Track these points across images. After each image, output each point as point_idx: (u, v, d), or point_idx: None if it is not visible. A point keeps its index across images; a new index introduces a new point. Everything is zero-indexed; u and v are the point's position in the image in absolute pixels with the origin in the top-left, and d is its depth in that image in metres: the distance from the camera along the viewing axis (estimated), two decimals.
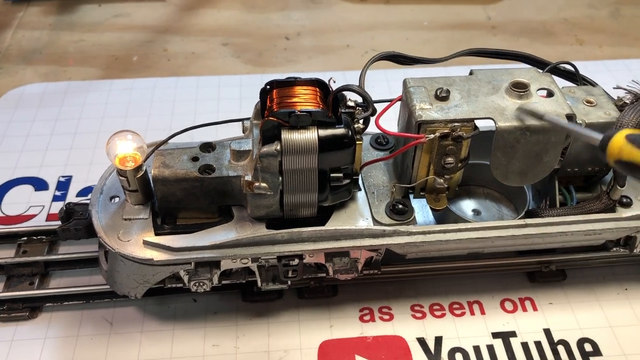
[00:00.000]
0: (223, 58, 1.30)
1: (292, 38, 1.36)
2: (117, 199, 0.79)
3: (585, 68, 1.28)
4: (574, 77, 0.84)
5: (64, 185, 1.01)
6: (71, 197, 0.98)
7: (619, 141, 0.59)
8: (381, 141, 0.85)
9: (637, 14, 1.46)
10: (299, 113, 0.68)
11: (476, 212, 0.87)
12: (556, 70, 0.84)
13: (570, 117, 0.72)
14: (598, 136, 0.62)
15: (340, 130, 0.70)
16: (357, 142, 0.72)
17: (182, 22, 1.39)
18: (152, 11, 1.42)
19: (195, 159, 0.76)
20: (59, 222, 0.84)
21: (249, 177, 0.71)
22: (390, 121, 0.79)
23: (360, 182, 0.80)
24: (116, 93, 1.19)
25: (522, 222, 0.76)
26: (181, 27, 1.38)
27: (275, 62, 1.28)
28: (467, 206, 0.88)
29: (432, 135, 0.70)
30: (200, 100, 1.18)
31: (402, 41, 1.35)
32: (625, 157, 0.58)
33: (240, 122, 0.79)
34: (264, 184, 0.71)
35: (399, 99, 0.77)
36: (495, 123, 0.70)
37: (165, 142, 0.80)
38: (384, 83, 1.17)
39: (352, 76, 1.18)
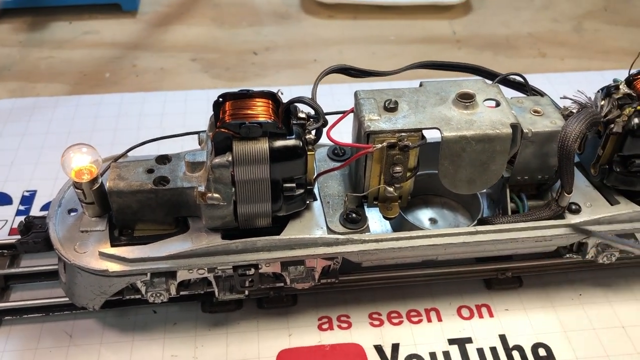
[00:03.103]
0: (192, 73, 1.31)
1: (260, 53, 1.38)
2: (75, 212, 0.80)
3: (546, 80, 1.32)
4: (524, 88, 0.86)
5: (28, 199, 1.01)
6: (35, 212, 0.99)
7: None
8: (338, 152, 0.87)
9: (598, 28, 1.50)
10: (249, 124, 0.69)
11: (433, 220, 0.89)
12: (507, 81, 0.87)
13: (515, 126, 0.74)
14: None
15: (290, 142, 0.71)
16: (309, 153, 0.73)
17: (151, 39, 1.41)
18: (122, 28, 1.44)
19: (150, 171, 0.77)
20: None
21: (202, 188, 0.73)
22: (347, 133, 0.81)
23: (316, 192, 0.81)
24: (83, 108, 1.20)
25: (473, 229, 0.78)
26: (151, 44, 1.39)
27: (243, 77, 1.30)
28: (424, 215, 0.90)
29: (379, 145, 0.71)
30: (167, 114, 1.19)
31: (369, 55, 1.38)
32: None
33: (197, 135, 0.81)
34: (216, 195, 0.72)
35: (352, 111, 0.78)
36: (441, 132, 0.72)
37: (123, 155, 0.81)
38: (349, 96, 1.19)
39: (317, 90, 1.20)
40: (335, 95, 1.19)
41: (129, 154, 0.82)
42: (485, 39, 1.45)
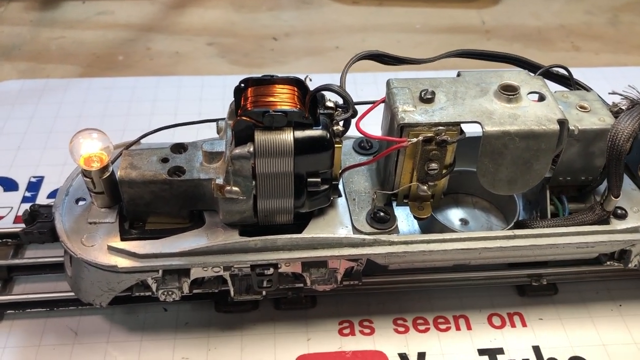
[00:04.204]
0: (208, 58, 1.26)
1: (280, 39, 1.32)
2: (83, 202, 0.75)
3: (580, 75, 1.23)
4: (568, 81, 0.80)
5: (34, 186, 0.96)
6: (42, 199, 0.94)
7: None
8: (365, 145, 0.81)
9: (635, 21, 1.42)
10: (273, 113, 0.64)
11: (464, 221, 0.83)
12: (549, 74, 0.81)
13: (562, 123, 0.68)
14: None
15: (317, 132, 0.66)
16: (336, 145, 0.68)
17: (167, 21, 1.35)
18: (137, 9, 1.38)
19: (165, 160, 0.71)
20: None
21: (220, 181, 0.67)
22: (375, 125, 0.75)
23: (341, 187, 0.76)
24: (95, 92, 1.15)
25: (510, 233, 0.72)
26: (166, 26, 1.34)
27: (262, 63, 1.25)
28: (454, 215, 0.84)
29: (414, 139, 0.65)
30: (182, 100, 1.14)
31: (394, 44, 1.31)
32: None
33: (215, 123, 0.75)
34: (235, 188, 0.66)
35: (382, 101, 0.73)
36: (482, 127, 0.66)
37: (135, 142, 0.76)
38: (373, 86, 1.13)
39: (339, 79, 1.15)
40: (359, 85, 1.13)
41: (141, 141, 0.77)
42: (515, 30, 1.38)
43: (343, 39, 1.32)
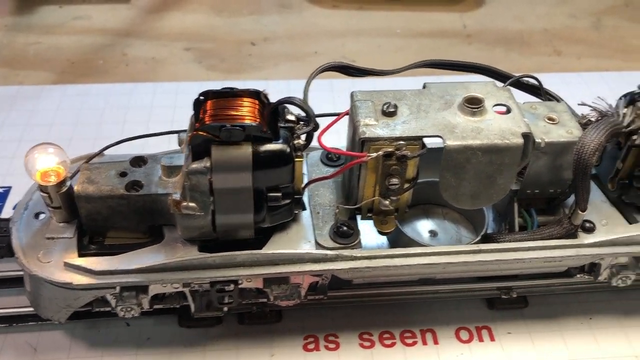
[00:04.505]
0: (184, 64, 1.24)
1: (258, 44, 1.30)
2: (43, 215, 0.74)
3: (561, 80, 1.24)
4: (539, 91, 0.79)
5: (1, 197, 0.95)
6: (7, 210, 0.92)
7: None
8: (332, 157, 0.80)
9: (618, 25, 1.41)
10: (230, 127, 0.62)
11: (433, 233, 0.82)
12: (520, 84, 0.79)
13: (527, 136, 0.66)
14: None
15: (276, 146, 0.64)
16: (297, 159, 0.66)
17: (144, 26, 1.34)
18: (115, 14, 1.37)
19: (123, 174, 0.70)
20: None
21: (177, 196, 0.66)
22: (344, 135, 0.74)
23: (306, 201, 0.75)
24: (69, 99, 1.14)
25: (475, 247, 0.71)
26: (143, 31, 1.32)
27: (239, 69, 1.23)
28: (423, 227, 0.83)
29: (374, 154, 0.64)
30: (156, 107, 1.12)
31: (374, 49, 1.30)
32: None
33: (177, 135, 0.74)
34: (192, 204, 0.65)
35: (347, 114, 0.71)
36: (443, 141, 0.65)
37: (97, 155, 0.75)
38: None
39: (316, 84, 1.13)
40: (336, 92, 1.11)
41: (105, 152, 0.76)
42: (498, 34, 1.36)
43: (322, 43, 1.31)
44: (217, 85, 1.21)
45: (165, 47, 1.28)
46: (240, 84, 1.22)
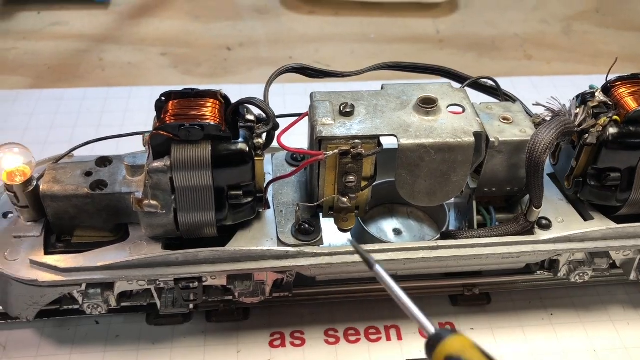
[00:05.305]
0: (160, 69, 1.26)
1: (234, 49, 1.32)
2: (11, 215, 0.75)
3: (530, 83, 1.27)
4: (496, 92, 0.81)
5: None
6: None
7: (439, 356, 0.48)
8: (297, 157, 0.81)
9: (588, 31, 1.44)
10: (189, 127, 0.64)
11: (397, 231, 0.84)
12: (478, 85, 0.82)
13: (479, 135, 0.69)
14: (430, 330, 0.51)
15: (235, 146, 0.66)
16: (257, 158, 0.68)
17: (121, 31, 1.35)
18: (92, 19, 1.38)
19: (88, 174, 0.71)
20: None
21: (139, 194, 0.67)
22: (305, 136, 0.76)
23: (270, 200, 0.76)
24: (44, 103, 1.15)
25: (433, 244, 0.73)
26: (120, 36, 1.34)
27: (213, 73, 1.25)
28: (388, 225, 0.85)
29: (330, 153, 0.66)
30: (130, 111, 1.14)
31: (347, 54, 1.32)
32: None
33: (142, 136, 0.75)
34: (154, 202, 0.66)
35: (306, 115, 0.73)
36: (397, 140, 0.67)
37: (65, 155, 0.76)
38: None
39: (290, 88, 1.15)
40: (288, 96, 1.13)
41: (75, 154, 0.78)
42: (470, 40, 1.39)
43: (297, 49, 1.33)
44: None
45: (141, 52, 1.30)
46: (214, 88, 1.24)
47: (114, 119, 1.12)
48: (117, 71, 1.24)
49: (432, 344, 0.49)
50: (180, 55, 1.29)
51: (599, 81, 0.78)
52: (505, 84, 1.24)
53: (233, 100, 0.70)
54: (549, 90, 1.23)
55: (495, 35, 1.41)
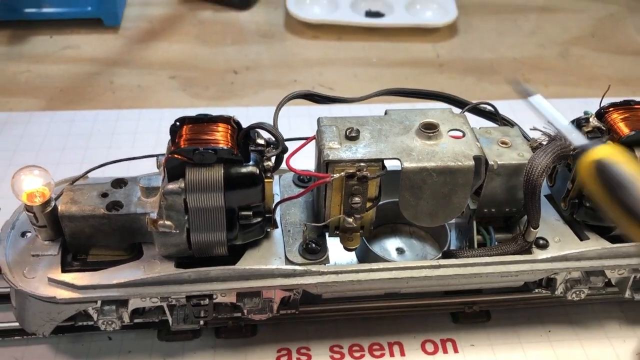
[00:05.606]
0: (169, 91, 1.29)
1: (240, 72, 1.36)
2: (29, 234, 0.78)
3: (527, 106, 1.30)
4: (495, 117, 0.85)
5: None
6: None
7: (585, 164, 0.54)
8: (303, 178, 0.85)
9: (584, 55, 1.48)
10: (203, 150, 0.67)
11: (400, 250, 0.87)
12: (478, 110, 0.85)
13: (479, 159, 0.72)
14: (579, 142, 0.59)
15: (246, 169, 0.69)
16: (267, 180, 0.71)
17: (131, 55, 1.39)
18: (103, 43, 1.42)
19: (104, 195, 0.75)
20: None
21: (154, 215, 0.70)
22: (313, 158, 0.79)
23: (278, 219, 0.79)
24: (56, 125, 1.19)
25: (435, 263, 0.76)
26: (130, 60, 1.38)
27: (221, 96, 1.29)
28: (391, 244, 0.87)
29: (337, 175, 0.69)
30: (140, 133, 1.17)
31: (350, 77, 1.36)
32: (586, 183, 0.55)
33: (156, 158, 0.79)
34: (168, 222, 0.70)
35: (313, 138, 0.76)
36: (401, 163, 0.70)
37: (81, 177, 0.80)
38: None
39: (294, 111, 1.19)
40: (293, 118, 1.16)
41: (89, 175, 0.81)
42: (469, 63, 1.43)
43: (301, 72, 1.37)
44: (200, 112, 1.27)
45: (151, 75, 1.33)
46: (222, 111, 1.27)
47: (124, 140, 1.15)
48: (127, 94, 1.28)
49: (580, 152, 0.53)
50: (188, 79, 1.33)
51: (594, 104, 0.82)
52: (504, 106, 1.28)
53: (244, 123, 0.73)
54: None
55: (494, 59, 1.45)
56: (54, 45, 1.41)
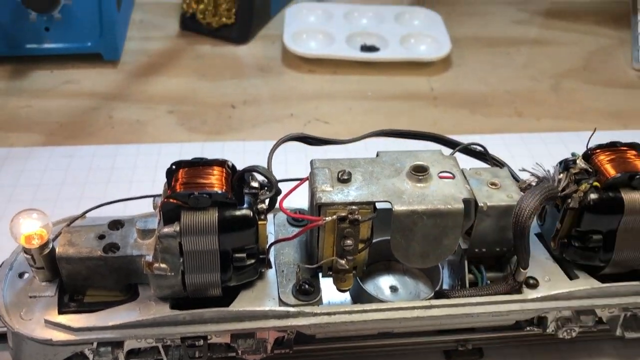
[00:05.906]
0: (167, 126, 1.31)
1: (238, 106, 1.38)
2: (26, 275, 0.79)
3: (521, 140, 1.32)
4: (485, 157, 0.86)
5: None
6: None
7: None
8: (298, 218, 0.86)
9: (575, 88, 1.51)
10: (198, 195, 0.69)
11: (393, 289, 0.88)
12: (468, 150, 0.87)
13: (468, 201, 0.73)
14: None
15: (240, 212, 0.71)
16: (260, 222, 0.73)
17: (130, 89, 1.42)
18: (103, 78, 1.45)
19: (101, 237, 0.76)
20: None
21: (149, 258, 0.72)
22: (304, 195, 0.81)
23: (272, 260, 0.81)
24: (56, 160, 1.20)
25: (427, 303, 0.77)
26: (129, 94, 1.40)
27: (219, 131, 1.31)
28: (385, 282, 0.88)
29: (329, 218, 0.71)
30: (139, 168, 1.19)
31: (345, 111, 1.38)
32: None
33: (152, 199, 0.80)
34: (163, 265, 0.71)
35: (306, 180, 0.78)
36: (392, 206, 0.71)
37: (78, 218, 0.81)
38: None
39: (290, 146, 1.20)
40: (289, 154, 1.16)
41: (87, 215, 0.82)
42: (463, 97, 1.45)
43: (298, 106, 1.39)
44: (197, 146, 1.29)
45: (149, 109, 1.36)
46: (219, 145, 1.30)
47: (122, 175, 1.17)
48: (125, 128, 1.30)
49: None
50: (186, 113, 1.35)
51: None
52: (497, 141, 1.32)
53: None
54: (538, 147, 1.30)
55: (487, 92, 1.48)
56: (55, 80, 1.43)
